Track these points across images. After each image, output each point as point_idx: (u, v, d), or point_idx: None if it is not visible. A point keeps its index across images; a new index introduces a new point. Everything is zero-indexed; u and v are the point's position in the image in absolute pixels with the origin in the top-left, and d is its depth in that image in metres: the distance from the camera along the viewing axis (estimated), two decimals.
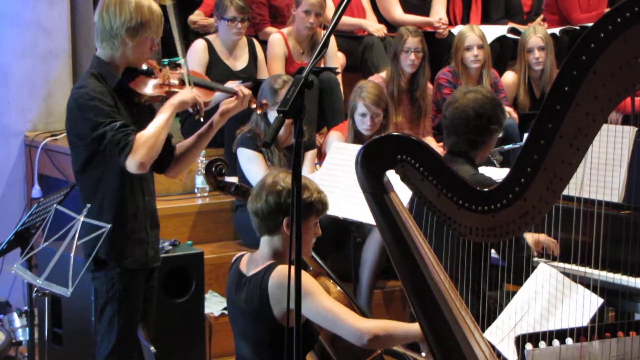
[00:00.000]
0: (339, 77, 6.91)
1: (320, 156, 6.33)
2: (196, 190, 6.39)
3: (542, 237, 4.46)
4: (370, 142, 3.15)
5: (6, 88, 6.52)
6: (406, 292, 3.17)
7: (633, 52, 2.73)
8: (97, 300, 4.03)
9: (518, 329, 3.70)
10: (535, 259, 4.41)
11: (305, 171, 5.81)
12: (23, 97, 6.56)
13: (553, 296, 3.83)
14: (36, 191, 6.36)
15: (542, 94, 7.15)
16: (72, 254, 3.80)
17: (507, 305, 3.86)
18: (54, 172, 6.26)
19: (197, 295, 5.24)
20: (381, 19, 7.81)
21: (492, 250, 4.19)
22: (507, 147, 6.24)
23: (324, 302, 3.43)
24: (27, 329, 4.95)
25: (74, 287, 3.78)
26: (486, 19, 8.14)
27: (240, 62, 6.76)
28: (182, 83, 4.09)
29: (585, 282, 3.96)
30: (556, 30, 7.82)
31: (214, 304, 5.59)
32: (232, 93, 4.20)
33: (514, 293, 3.93)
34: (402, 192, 3.17)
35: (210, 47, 6.66)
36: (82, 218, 3.79)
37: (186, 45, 7.04)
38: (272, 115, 5.78)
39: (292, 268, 2.73)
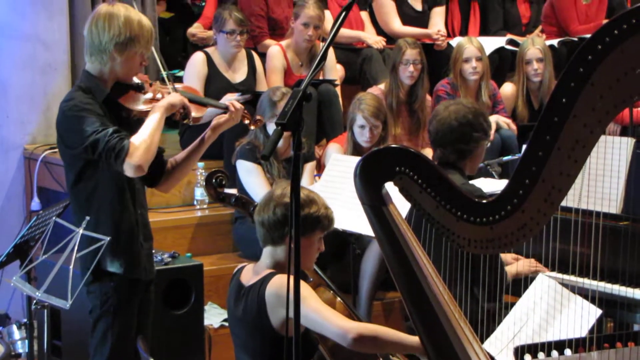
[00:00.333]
0: (338, 89, 6.92)
1: (319, 168, 6.33)
2: (195, 203, 6.39)
3: (526, 264, 4.47)
4: (369, 154, 3.16)
5: (5, 101, 6.52)
6: (405, 304, 3.17)
7: (630, 64, 2.74)
8: (90, 313, 4.00)
9: (517, 339, 3.70)
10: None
11: (304, 183, 5.81)
12: (22, 109, 6.57)
13: (552, 307, 3.83)
14: (35, 204, 6.36)
15: (540, 106, 7.16)
16: (71, 267, 3.80)
17: (506, 316, 3.86)
18: (53, 184, 6.26)
19: (197, 307, 5.23)
20: (380, 31, 7.83)
21: None
22: (505, 158, 6.25)
23: (311, 305, 3.42)
24: (27, 341, 4.95)
25: (73, 300, 3.78)
26: (484, 31, 8.16)
27: (239, 75, 6.77)
28: None
29: (583, 292, 3.96)
30: (554, 42, 7.83)
31: (214, 316, 5.59)
32: (224, 108, 4.20)
33: (512, 304, 3.94)
34: (401, 204, 3.17)
35: (209, 60, 6.67)
36: (81, 230, 3.79)
37: (185, 58, 7.06)
38: (271, 127, 5.78)
39: (281, 277, 2.74)
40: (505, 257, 4.48)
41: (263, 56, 7.01)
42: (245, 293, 3.60)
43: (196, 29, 7.54)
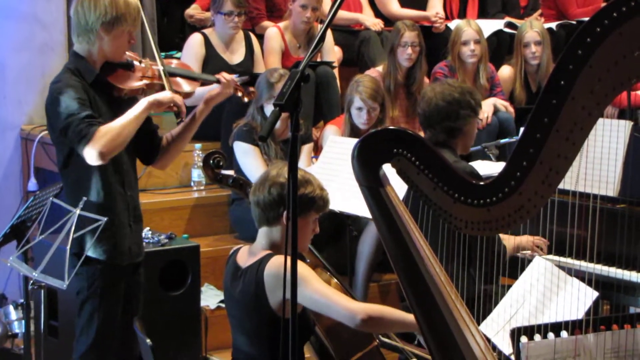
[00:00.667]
0: (336, 71, 6.91)
1: (317, 150, 6.33)
2: (192, 184, 6.39)
3: (525, 241, 4.49)
4: (366, 135, 3.15)
5: (2, 81, 6.51)
6: (402, 285, 3.17)
7: (629, 47, 2.73)
8: (77, 295, 4.01)
9: (513, 321, 3.71)
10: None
11: (302, 165, 5.81)
12: (19, 90, 6.56)
13: (548, 289, 3.84)
14: (32, 184, 6.36)
15: (538, 88, 7.16)
16: (68, 247, 3.80)
17: (503, 298, 3.87)
18: (50, 165, 6.26)
19: (193, 289, 5.24)
20: (378, 13, 7.81)
21: None
22: (503, 141, 6.25)
23: (316, 287, 3.44)
24: (23, 321, 4.96)
25: (70, 280, 3.78)
26: (483, 14, 8.14)
27: (236, 56, 6.76)
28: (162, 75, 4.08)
29: (580, 275, 3.96)
30: (553, 25, 7.82)
31: (210, 297, 5.60)
32: (215, 81, 4.20)
33: (509, 286, 3.94)
34: (398, 186, 3.17)
35: (207, 41, 6.65)
36: (78, 211, 3.79)
37: (183, 39, 7.04)
38: (269, 108, 5.78)
39: (281, 258, 2.74)
40: (521, 239, 4.50)
41: (261, 38, 7.00)
42: (243, 274, 3.60)
43: (194, 10, 7.52)
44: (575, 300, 3.73)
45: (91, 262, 3.93)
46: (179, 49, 7.05)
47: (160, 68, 4.07)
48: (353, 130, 5.99)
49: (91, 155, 3.77)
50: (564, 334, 3.06)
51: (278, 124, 5.49)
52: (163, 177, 6.34)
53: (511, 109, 6.97)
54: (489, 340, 3.51)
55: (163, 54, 7.19)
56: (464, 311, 3.14)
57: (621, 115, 6.82)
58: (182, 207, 6.18)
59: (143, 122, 4.06)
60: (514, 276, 3.97)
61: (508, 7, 8.31)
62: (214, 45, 6.67)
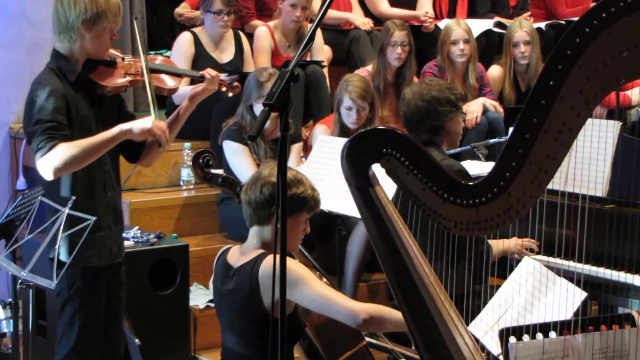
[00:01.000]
0: (325, 71, 6.91)
1: (306, 149, 6.32)
2: (182, 183, 6.38)
3: (513, 245, 4.50)
4: (356, 135, 3.15)
5: None
6: (390, 285, 3.17)
7: (618, 47, 2.74)
8: (57, 297, 3.97)
9: (502, 322, 3.71)
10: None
11: (291, 164, 5.81)
12: (8, 88, 6.53)
13: (537, 289, 3.85)
14: (21, 183, 6.33)
15: (527, 88, 7.16)
16: (57, 246, 3.79)
17: (492, 298, 3.87)
18: None
19: (182, 288, 5.23)
20: (367, 12, 7.81)
21: None
22: (492, 141, 6.25)
23: (317, 288, 3.46)
24: (11, 320, 4.93)
25: (59, 279, 3.76)
26: (472, 13, 8.15)
27: (226, 55, 6.75)
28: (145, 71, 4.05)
29: (569, 275, 3.97)
30: (542, 25, 7.83)
31: (199, 297, 5.59)
32: (199, 77, 4.19)
33: (498, 286, 3.94)
34: (387, 186, 3.17)
35: (197, 40, 6.64)
36: (67, 210, 3.77)
37: (172, 38, 7.03)
38: (258, 108, 5.77)
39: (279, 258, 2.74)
40: (509, 243, 4.51)
41: (250, 37, 6.99)
42: (235, 274, 3.59)
43: (183, 9, 7.51)
44: (563, 300, 3.74)
45: (71, 263, 3.89)
46: (169, 47, 7.03)
47: (143, 64, 4.04)
48: (342, 130, 5.98)
49: (41, 169, 3.74)
50: (552, 334, 3.07)
51: (267, 124, 5.49)
52: (152, 176, 6.32)
53: (500, 109, 6.97)
54: (477, 340, 3.51)
55: (152, 52, 7.21)
56: (452, 311, 3.14)
57: (610, 116, 6.83)
58: (171, 206, 6.17)
59: (126, 119, 4.04)
60: (503, 276, 3.97)
61: (497, 6, 8.32)
62: (204, 44, 6.66)
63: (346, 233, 5.57)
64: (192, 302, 5.42)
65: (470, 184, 3.02)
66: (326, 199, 5.07)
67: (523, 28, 7.12)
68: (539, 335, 3.06)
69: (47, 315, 5.16)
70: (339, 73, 6.77)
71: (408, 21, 7.38)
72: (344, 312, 3.43)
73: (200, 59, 6.59)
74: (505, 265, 4.09)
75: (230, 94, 4.42)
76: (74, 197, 3.83)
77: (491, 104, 6.94)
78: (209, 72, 4.20)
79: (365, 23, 7.54)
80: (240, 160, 5.81)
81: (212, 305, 5.33)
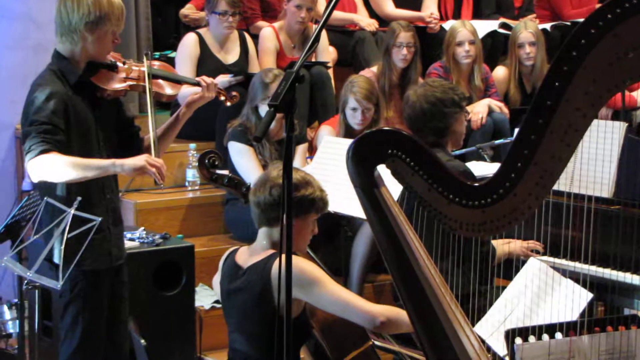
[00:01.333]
0: (330, 72, 6.90)
1: (311, 150, 6.32)
2: (187, 184, 6.38)
3: (518, 247, 4.49)
4: (361, 136, 3.15)
5: None
6: (396, 287, 3.17)
7: (623, 48, 2.74)
8: (60, 298, 3.97)
9: (507, 323, 3.71)
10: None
11: (296, 165, 5.79)
12: (13, 89, 6.52)
13: (542, 290, 3.84)
14: (26, 184, 6.33)
15: (533, 89, 7.15)
16: (62, 247, 3.79)
17: (497, 299, 3.87)
18: None
19: (188, 289, 5.23)
20: (372, 13, 7.80)
21: None
22: (497, 142, 6.25)
23: (333, 289, 3.47)
24: (17, 321, 4.95)
25: (64, 280, 3.77)
26: (477, 14, 8.14)
27: (231, 56, 6.75)
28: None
29: (574, 276, 3.97)
30: (547, 26, 7.82)
31: (205, 297, 5.59)
32: (195, 83, 4.18)
33: (503, 287, 3.94)
34: (393, 187, 3.17)
35: (202, 41, 6.64)
36: (72, 211, 3.77)
37: (177, 39, 7.03)
38: (263, 109, 5.77)
39: (293, 258, 2.75)
40: (515, 246, 4.51)
41: (255, 38, 6.99)
42: (245, 273, 3.59)
43: (188, 10, 7.51)
44: (569, 301, 3.73)
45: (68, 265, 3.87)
46: (174, 48, 7.04)
47: (145, 70, 4.04)
48: (348, 131, 5.98)
49: (28, 171, 3.75)
50: (558, 335, 3.07)
51: (273, 125, 5.47)
52: None
53: (506, 110, 6.96)
54: (483, 341, 3.51)
55: (157, 53, 7.22)
56: (458, 312, 3.14)
57: (615, 117, 6.82)
58: (176, 207, 6.17)
59: (124, 123, 4.03)
60: (509, 277, 3.97)
61: (502, 8, 8.31)
62: (209, 45, 6.66)
63: (351, 234, 5.57)
64: (197, 303, 5.42)
65: (476, 184, 3.02)
66: (331, 199, 5.05)
67: (528, 29, 7.11)
68: (545, 336, 3.06)
69: (52, 315, 5.16)
70: (344, 74, 6.77)
71: (413, 22, 7.37)
72: (361, 315, 3.45)
73: (206, 60, 6.60)
74: (511, 266, 4.09)
75: (228, 104, 4.41)
76: (79, 198, 3.82)
77: (496, 105, 6.94)
78: (204, 80, 4.18)
79: (370, 24, 7.54)
80: (245, 161, 5.82)
81: (218, 305, 5.33)
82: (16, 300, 4.76)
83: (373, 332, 3.82)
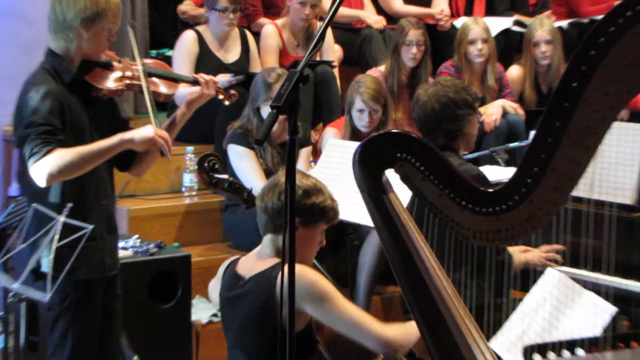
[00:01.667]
0: (336, 71, 6.90)
1: (316, 154, 6.31)
2: (184, 189, 6.37)
3: (536, 257, 4.47)
4: (368, 139, 3.14)
5: None
6: (406, 299, 3.15)
7: None
8: (49, 311, 3.95)
9: (525, 338, 3.69)
10: None
11: (300, 169, 5.79)
12: (3, 88, 6.51)
13: (562, 303, 3.82)
14: (14, 189, 6.32)
15: (549, 90, 7.15)
16: (51, 257, 3.77)
17: (513, 313, 3.84)
18: None
19: (184, 301, 5.21)
20: (380, 10, 7.81)
21: None
22: (512, 145, 6.23)
23: (345, 307, 3.45)
24: (2, 336, 4.92)
25: (53, 292, 3.74)
26: (490, 11, 8.13)
27: (231, 55, 6.74)
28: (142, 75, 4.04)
29: (596, 288, 3.95)
30: (564, 23, 7.81)
31: (202, 311, 5.57)
32: (193, 81, 4.18)
33: (520, 299, 3.92)
34: (402, 192, 3.15)
35: (201, 39, 6.64)
36: (62, 218, 3.75)
37: (175, 37, 7.03)
38: (265, 110, 5.76)
39: (304, 269, 2.73)
40: (513, 248, 4.48)
41: (257, 35, 6.99)
42: (247, 284, 3.58)
43: (187, 6, 7.50)
44: (591, 315, 3.71)
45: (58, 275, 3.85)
46: (171, 46, 7.03)
47: (140, 68, 4.04)
48: (354, 133, 5.97)
49: (35, 175, 3.72)
50: (579, 351, 3.04)
51: (275, 127, 5.47)
52: (152, 182, 6.31)
53: (521, 111, 6.95)
54: (499, 357, 3.48)
55: (154, 52, 7.21)
56: (472, 327, 3.12)
57: (633, 118, 6.79)
58: (172, 213, 6.16)
59: (118, 124, 4.02)
60: (525, 288, 3.94)
61: (517, 4, 8.31)
62: (208, 43, 6.65)
63: (358, 243, 5.56)
64: (194, 317, 5.40)
65: (490, 190, 3.00)
66: None
67: (544, 27, 7.11)
68: (566, 353, 3.03)
69: (39, 330, 5.14)
70: (350, 74, 6.77)
71: (423, 19, 7.37)
72: (374, 339, 3.43)
73: (205, 58, 6.59)
74: (528, 277, 4.06)
75: (227, 103, 4.40)
76: (70, 204, 3.80)
77: (511, 106, 6.93)
78: (202, 77, 4.18)
79: (377, 21, 7.54)
80: (245, 165, 5.81)
81: (216, 319, 5.32)
82: (1, 313, 4.74)
83: None
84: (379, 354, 3.52)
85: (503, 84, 7.05)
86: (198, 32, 6.67)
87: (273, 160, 5.81)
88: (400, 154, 3.03)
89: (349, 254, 5.50)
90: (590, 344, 3.04)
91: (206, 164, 4.22)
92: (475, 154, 5.98)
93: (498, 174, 5.31)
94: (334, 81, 6.78)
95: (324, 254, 5.22)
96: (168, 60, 6.51)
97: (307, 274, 3.42)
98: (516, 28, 7.71)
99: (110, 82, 3.97)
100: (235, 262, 3.72)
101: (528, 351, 3.02)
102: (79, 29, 3.86)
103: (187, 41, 6.63)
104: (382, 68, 6.94)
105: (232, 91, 4.44)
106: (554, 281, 3.88)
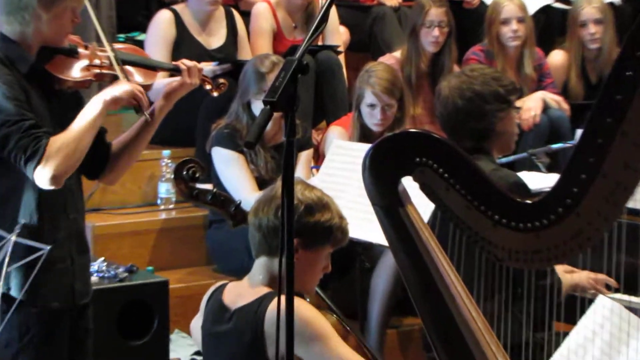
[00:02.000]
0: (342, 58, 6.92)
1: (318, 158, 6.33)
2: (159, 202, 6.39)
3: (584, 278, 4.47)
4: (381, 140, 3.16)
5: None
6: (427, 332, 3.17)
7: None
8: (5, 348, 3.94)
9: None
10: None
11: (299, 177, 5.81)
12: None
13: (616, 337, 3.83)
14: None
15: (599, 79, 7.17)
16: (0, 283, 3.78)
17: (558, 349, 3.85)
18: None
19: (161, 336, 5.24)
20: None
21: None
22: (555, 146, 6.25)
23: (339, 351, 3.46)
24: None
25: (2, 327, 3.76)
26: None
27: (215, 39, 6.76)
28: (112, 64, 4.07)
29: None
30: None
31: (182, 347, 5.60)
32: (174, 69, 4.19)
33: (566, 334, 3.93)
34: (422, 205, 3.16)
35: (178, 20, 6.66)
36: (14, 238, 3.76)
37: (148, 17, 7.05)
38: (257, 106, 5.78)
39: (296, 302, 2.73)
40: (558, 268, 4.48)
41: (246, 16, 7.01)
42: (233, 316, 3.59)
43: None
44: None
45: (23, 305, 3.87)
46: (143, 29, 7.05)
47: (111, 54, 4.05)
48: (364, 133, 5.99)
49: (43, 178, 3.74)
50: None
51: (269, 126, 5.47)
52: (121, 194, 6.32)
53: (565, 106, 6.98)
54: None
55: (122, 36, 7.22)
56: None
57: None
58: (145, 231, 6.18)
59: None
60: (572, 321, 3.95)
61: None
62: (187, 25, 6.68)
63: (370, 265, 5.56)
64: (172, 355, 5.42)
65: (529, 201, 3.01)
66: None
67: (592, 3, 7.13)
68: None
69: None
70: (359, 61, 6.80)
71: None
72: None
73: (183, 43, 6.61)
74: (574, 306, 4.07)
75: (215, 94, 4.40)
76: (22, 221, 3.81)
77: (553, 99, 6.95)
78: (184, 62, 4.19)
79: None
80: (233, 172, 5.82)
81: (199, 358, 5.33)
82: None
83: None
84: None
85: (543, 73, 7.07)
86: (175, 12, 6.69)
87: (267, 166, 5.83)
88: (420, 159, 3.04)
89: (358, 278, 5.51)
90: None
91: (185, 172, 4.23)
92: (511, 158, 5.99)
93: (537, 181, 5.32)
94: (340, 70, 6.80)
95: (329, 279, 5.24)
96: (139, 45, 6.51)
97: (301, 311, 3.41)
98: (559, 5, 7.74)
99: (76, 72, 3.98)
100: (221, 288, 3.72)
101: None
102: (36, 10, 3.86)
103: (161, 23, 6.65)
104: (397, 54, 6.96)
105: (221, 80, 4.44)
106: (607, 311, 3.89)
